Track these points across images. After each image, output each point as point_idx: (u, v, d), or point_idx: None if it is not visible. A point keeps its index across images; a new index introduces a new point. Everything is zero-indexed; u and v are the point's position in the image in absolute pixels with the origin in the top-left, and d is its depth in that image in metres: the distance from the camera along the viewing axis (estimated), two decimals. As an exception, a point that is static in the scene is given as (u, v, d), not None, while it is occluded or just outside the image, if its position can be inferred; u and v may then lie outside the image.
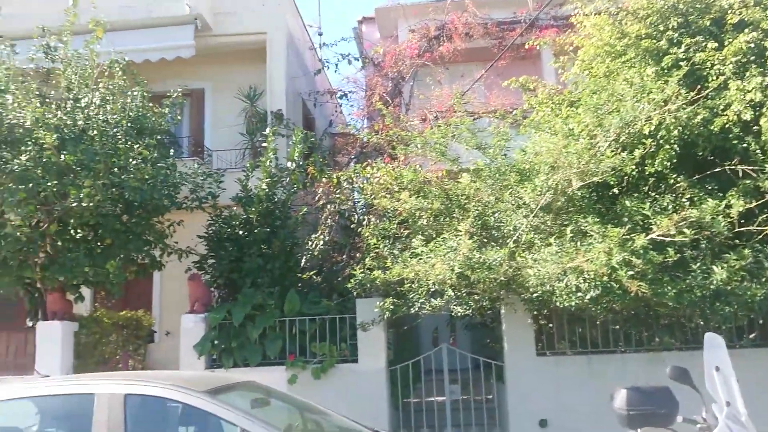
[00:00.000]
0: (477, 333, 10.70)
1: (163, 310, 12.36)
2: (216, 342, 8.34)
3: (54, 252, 8.39)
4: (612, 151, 6.72)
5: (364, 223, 9.31)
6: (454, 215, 7.96)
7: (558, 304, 6.90)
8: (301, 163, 9.49)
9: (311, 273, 9.03)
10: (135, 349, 10.25)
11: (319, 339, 8.32)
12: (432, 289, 7.30)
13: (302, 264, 9.45)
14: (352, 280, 7.76)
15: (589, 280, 6.42)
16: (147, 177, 8.04)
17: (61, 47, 9.38)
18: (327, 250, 9.88)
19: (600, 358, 7.94)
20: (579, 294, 6.56)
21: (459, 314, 7.54)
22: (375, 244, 7.64)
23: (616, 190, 7.33)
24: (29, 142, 7.56)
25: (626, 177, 7.30)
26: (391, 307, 7.66)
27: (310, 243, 9.58)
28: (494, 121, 8.82)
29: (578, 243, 6.62)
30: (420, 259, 6.92)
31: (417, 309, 7.55)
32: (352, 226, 9.34)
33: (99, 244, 8.67)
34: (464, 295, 7.43)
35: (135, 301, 11.87)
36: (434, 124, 9.00)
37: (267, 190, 9.16)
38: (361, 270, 7.72)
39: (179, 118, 11.11)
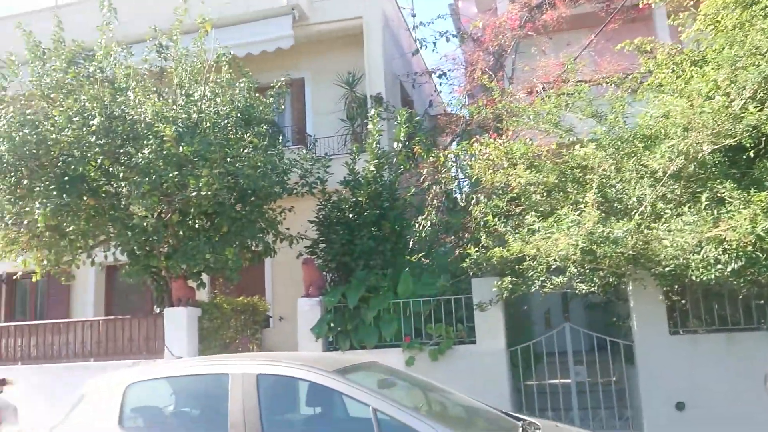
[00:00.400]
0: (593, 312, 10.21)
1: (274, 296, 12.68)
2: (332, 325, 8.42)
3: (176, 241, 8.77)
4: (756, 107, 6.09)
5: (473, 201, 9.09)
6: (568, 189, 7.60)
7: (694, 278, 6.37)
8: (407, 143, 9.37)
9: (419, 255, 8.93)
10: (252, 334, 10.59)
11: (434, 320, 8.21)
12: (553, 266, 6.96)
13: (410, 246, 9.36)
14: (467, 260, 7.56)
15: (731, 250, 5.88)
16: (259, 164, 8.21)
17: (172, 46, 9.77)
18: (435, 231, 9.75)
19: (741, 336, 7.32)
20: (719, 266, 6.02)
21: (583, 291, 7.16)
22: (491, 221, 7.38)
23: (751, 153, 6.67)
24: (150, 136, 7.90)
25: (765, 138, 6.63)
26: (510, 286, 7.40)
27: (416, 225, 9.48)
28: (610, 87, 8.30)
29: (714, 211, 6.08)
30: (541, 234, 6.61)
31: (538, 287, 7.24)
32: (462, 204, 9.11)
33: (216, 232, 8.97)
34: (587, 271, 7.04)
35: (248, 287, 12.24)
36: (545, 95, 8.59)
37: (375, 172, 9.12)
38: (477, 249, 7.49)
39: (283, 107, 11.29)
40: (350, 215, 9.03)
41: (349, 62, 13.40)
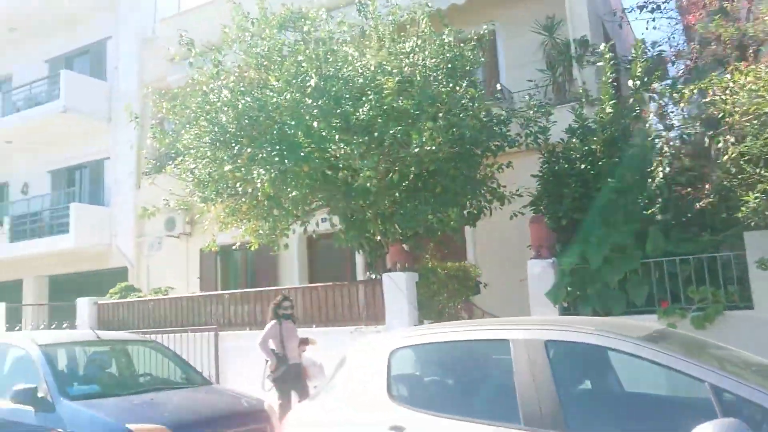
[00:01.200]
0: None
1: (477, 260, 12.03)
2: (569, 289, 7.58)
3: (393, 203, 8.41)
4: None
5: (720, 145, 7.75)
6: None
7: None
8: (645, 79, 8.14)
9: (655, 208, 7.78)
10: (465, 300, 10.06)
11: (695, 282, 7.06)
12: None
13: (639, 199, 8.24)
14: (743, 208, 6.34)
15: None
16: (483, 114, 7.54)
17: (370, 4, 9.42)
18: (669, 181, 8.52)
19: None
20: None
21: None
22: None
23: None
24: (369, 92, 7.54)
25: None
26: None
27: (648, 175, 8.31)
28: None
29: None
30: None
31: None
32: (716, 147, 7.77)
33: (432, 192, 8.49)
34: None
35: (449, 252, 11.66)
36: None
37: (612, 115, 8.02)
38: (756, 196, 6.24)
39: (482, 59, 10.57)
40: (582, 166, 8.02)
41: (542, 7, 12.30)
